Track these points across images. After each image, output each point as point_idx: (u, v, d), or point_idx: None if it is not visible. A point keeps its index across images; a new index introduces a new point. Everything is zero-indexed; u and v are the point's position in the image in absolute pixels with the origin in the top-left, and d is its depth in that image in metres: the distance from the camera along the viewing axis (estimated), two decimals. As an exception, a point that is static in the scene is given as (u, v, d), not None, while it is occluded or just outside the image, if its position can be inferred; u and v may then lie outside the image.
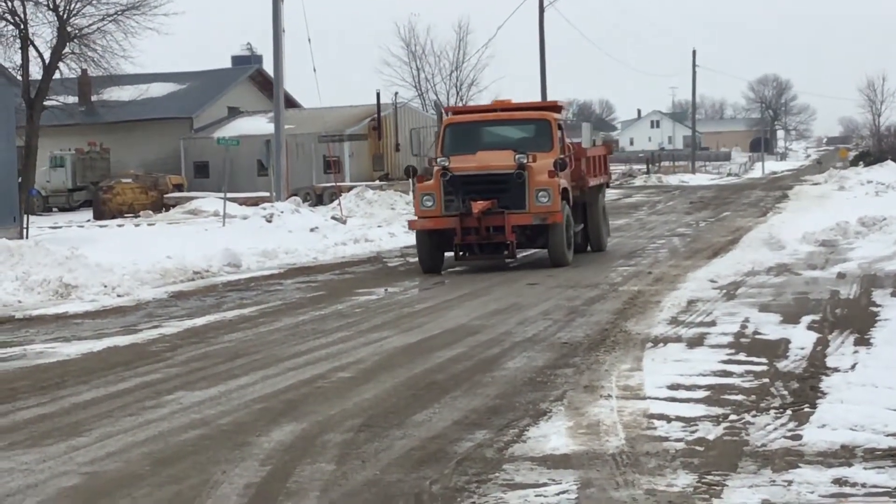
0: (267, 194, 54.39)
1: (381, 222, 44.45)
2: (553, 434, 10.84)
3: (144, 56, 79.58)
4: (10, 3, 53.53)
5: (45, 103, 54.21)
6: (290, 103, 67.66)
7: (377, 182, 64.46)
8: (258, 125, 69.58)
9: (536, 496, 8.92)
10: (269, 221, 39.33)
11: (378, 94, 72.03)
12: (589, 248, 31.31)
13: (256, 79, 78.80)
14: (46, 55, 54.13)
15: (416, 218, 27.60)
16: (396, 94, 78.86)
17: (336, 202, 50.30)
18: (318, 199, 56.78)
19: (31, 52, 54.12)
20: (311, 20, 45.36)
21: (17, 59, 53.60)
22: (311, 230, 37.75)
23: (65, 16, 53.87)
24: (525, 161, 26.43)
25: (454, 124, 29.36)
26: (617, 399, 12.24)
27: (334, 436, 11.06)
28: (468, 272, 27.33)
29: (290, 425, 11.58)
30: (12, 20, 53.81)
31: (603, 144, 35.51)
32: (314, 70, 48.52)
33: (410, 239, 38.00)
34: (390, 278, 26.63)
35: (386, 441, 10.81)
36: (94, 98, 65.97)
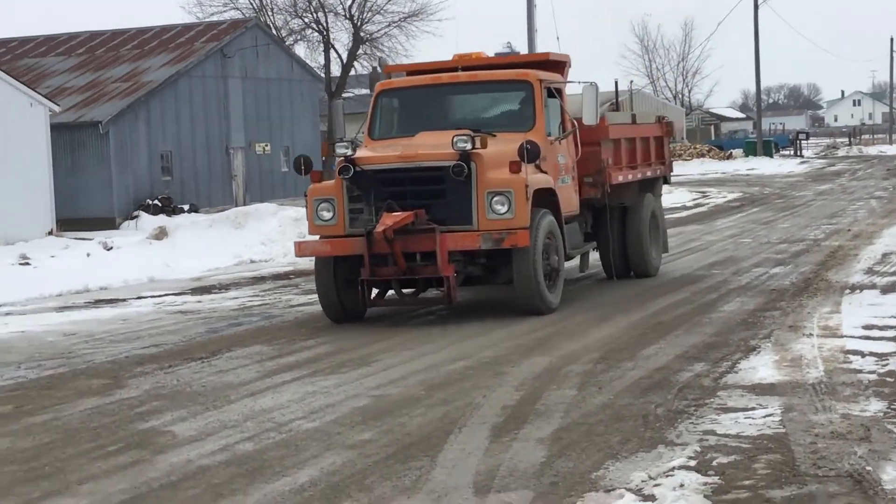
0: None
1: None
2: (761, 366, 10.62)
3: (422, 55, 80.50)
4: (315, 15, 55.01)
5: (343, 95, 55.56)
6: (543, 91, 67.48)
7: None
8: (516, 110, 69.72)
9: (746, 418, 8.75)
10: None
11: (616, 82, 71.49)
12: (632, 273, 17.83)
13: (514, 72, 78.81)
14: (344, 56, 55.57)
15: (305, 238, 15.92)
16: (632, 82, 78.01)
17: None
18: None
19: (332, 55, 55.66)
20: (559, 20, 45.19)
21: (321, 60, 55.36)
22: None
23: (359, 24, 55.10)
24: (469, 147, 13.75)
25: (389, 92, 16.11)
26: (817, 337, 11.92)
27: (576, 367, 11.06)
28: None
29: (539, 358, 11.62)
30: (317, 28, 55.37)
31: (658, 122, 19.79)
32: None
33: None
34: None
35: (619, 371, 10.76)
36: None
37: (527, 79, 15.54)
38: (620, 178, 17.22)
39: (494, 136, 14.44)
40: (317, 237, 14.64)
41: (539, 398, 9.76)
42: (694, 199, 39.37)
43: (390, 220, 13.59)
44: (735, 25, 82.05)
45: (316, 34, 55.88)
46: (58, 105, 33.84)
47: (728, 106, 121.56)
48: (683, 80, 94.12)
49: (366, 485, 7.50)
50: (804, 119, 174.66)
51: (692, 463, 7.62)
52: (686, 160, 69.31)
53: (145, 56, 41.72)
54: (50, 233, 31.08)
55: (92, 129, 36.62)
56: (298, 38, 55.96)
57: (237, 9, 55.44)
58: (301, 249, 14.79)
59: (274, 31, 51.71)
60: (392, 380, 10.92)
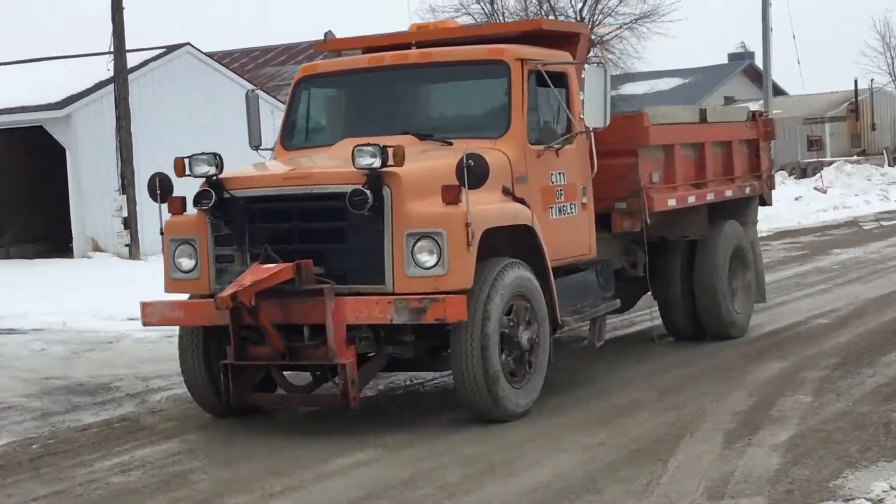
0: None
1: (858, 192, 42.64)
2: None
3: (653, 56, 80.00)
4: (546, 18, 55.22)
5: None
6: (777, 91, 66.07)
7: (854, 157, 62.19)
8: (750, 111, 68.51)
9: None
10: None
11: (855, 81, 69.59)
12: (707, 336, 12.84)
13: (748, 71, 77.28)
14: (575, 60, 55.64)
15: (154, 300, 10.04)
16: (872, 80, 75.78)
17: (818, 175, 48.82)
18: (802, 172, 55.09)
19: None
20: (795, 18, 44.26)
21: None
22: (796, 199, 36.79)
23: (589, 26, 54.99)
24: (377, 164, 8.92)
25: (313, 80, 11.39)
26: None
27: (811, 372, 10.79)
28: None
29: (773, 363, 11.38)
30: (546, 33, 55.58)
31: (750, 119, 14.05)
32: (798, 62, 47.63)
33: (887, 205, 36.37)
34: (866, 239, 25.54)
35: (857, 378, 10.44)
36: (613, 93, 66.95)
37: (500, 58, 10.47)
38: (673, 203, 12.01)
39: (451, 143, 10.10)
40: (181, 296, 9.99)
41: (773, 404, 9.56)
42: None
43: (250, 277, 8.99)
44: None
45: (546, 38, 56.18)
46: (297, 112, 34.89)
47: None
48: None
49: (596, 488, 7.49)
50: None
51: (936, 474, 7.35)
52: (931, 162, 66.75)
53: (380, 63, 42.60)
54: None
55: (329, 135, 37.63)
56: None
57: (469, 14, 56.02)
58: (147, 315, 9.88)
59: (505, 36, 52.12)
60: (623, 382, 10.86)
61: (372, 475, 8.07)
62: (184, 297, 9.93)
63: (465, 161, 8.90)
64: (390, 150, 8.90)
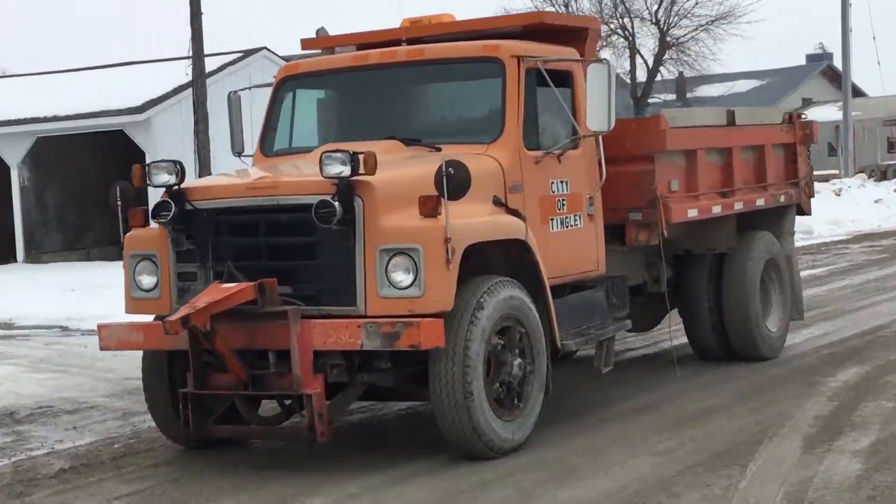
0: (835, 172, 52.81)
1: (940, 194, 42.06)
2: None
3: (729, 58, 79.27)
4: (621, 21, 55.12)
5: (648, 101, 55.42)
6: (857, 93, 65.32)
7: (936, 159, 61.39)
8: (828, 113, 67.44)
9: None
10: (838, 195, 38.16)
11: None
12: (737, 353, 11.91)
13: (827, 73, 76.47)
14: (650, 61, 55.41)
15: (112, 321, 9.38)
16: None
17: (899, 177, 48.20)
18: (883, 175, 54.43)
19: (637, 60, 55.57)
20: (876, 19, 43.80)
21: (626, 65, 55.26)
22: (876, 202, 36.26)
23: (665, 28, 54.79)
24: (347, 172, 8.02)
25: (295, 80, 10.39)
26: None
27: (893, 377, 10.66)
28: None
29: (855, 368, 11.25)
30: (622, 34, 55.42)
31: (786, 122, 12.93)
32: (878, 63, 47.19)
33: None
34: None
35: (941, 383, 10.32)
36: (688, 95, 66.48)
37: (494, 55, 9.42)
38: (694, 213, 10.96)
39: (439, 149, 9.15)
40: (144, 318, 9.12)
41: (854, 409, 9.45)
42: None
43: (206, 298, 8.13)
44: None
45: (622, 40, 55.89)
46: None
47: None
48: None
49: (674, 492, 7.44)
50: None
51: None
52: None
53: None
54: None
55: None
56: (604, 44, 56.07)
57: (544, 17, 56.04)
58: (103, 338, 9.06)
59: (580, 39, 51.90)
60: (697, 387, 10.78)
61: (447, 477, 8.08)
62: (148, 318, 9.04)
63: (444, 169, 7.97)
64: (361, 157, 8.03)
